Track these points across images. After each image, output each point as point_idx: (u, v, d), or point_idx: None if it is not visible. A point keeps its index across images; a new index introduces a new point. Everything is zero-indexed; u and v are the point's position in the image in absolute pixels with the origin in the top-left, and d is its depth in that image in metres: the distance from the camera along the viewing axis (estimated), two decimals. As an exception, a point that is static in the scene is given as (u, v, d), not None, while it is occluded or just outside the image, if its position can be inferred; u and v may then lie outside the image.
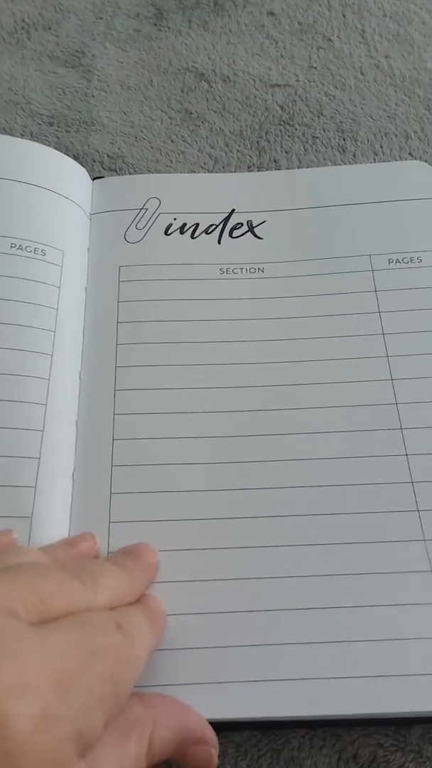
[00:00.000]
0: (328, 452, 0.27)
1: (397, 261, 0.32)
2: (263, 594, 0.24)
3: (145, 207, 0.34)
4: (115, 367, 0.29)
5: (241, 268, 0.32)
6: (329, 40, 0.43)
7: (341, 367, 0.29)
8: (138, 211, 0.34)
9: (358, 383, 0.29)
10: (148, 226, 0.33)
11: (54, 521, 0.25)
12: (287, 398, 0.28)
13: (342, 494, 0.26)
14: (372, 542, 0.25)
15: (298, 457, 0.27)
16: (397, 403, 0.28)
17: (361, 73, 0.42)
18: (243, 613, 0.24)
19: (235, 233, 0.33)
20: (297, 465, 0.27)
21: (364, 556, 0.25)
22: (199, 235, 0.33)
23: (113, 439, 0.28)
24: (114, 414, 0.28)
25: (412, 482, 0.26)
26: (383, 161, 0.37)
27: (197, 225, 0.33)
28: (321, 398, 0.28)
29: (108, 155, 0.38)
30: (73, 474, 0.27)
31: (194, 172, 0.38)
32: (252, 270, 0.32)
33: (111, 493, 0.26)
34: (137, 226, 0.33)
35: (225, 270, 0.32)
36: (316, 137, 0.39)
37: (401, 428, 0.28)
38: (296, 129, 0.39)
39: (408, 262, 0.32)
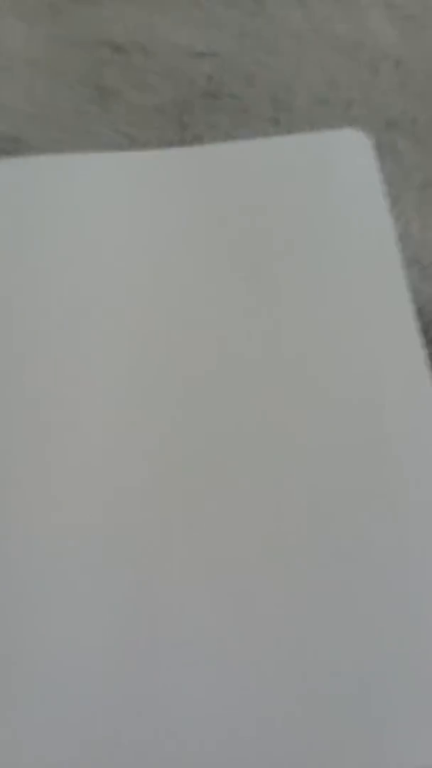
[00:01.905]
0: None
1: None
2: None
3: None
4: None
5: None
6: (261, 4, 0.39)
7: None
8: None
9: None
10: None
11: None
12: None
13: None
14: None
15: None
16: None
17: (298, 39, 0.37)
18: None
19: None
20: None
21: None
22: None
23: None
24: None
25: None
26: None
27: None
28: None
29: (9, 139, 0.33)
30: None
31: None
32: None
33: None
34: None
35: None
36: (246, 110, 0.34)
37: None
38: (223, 101, 0.34)
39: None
